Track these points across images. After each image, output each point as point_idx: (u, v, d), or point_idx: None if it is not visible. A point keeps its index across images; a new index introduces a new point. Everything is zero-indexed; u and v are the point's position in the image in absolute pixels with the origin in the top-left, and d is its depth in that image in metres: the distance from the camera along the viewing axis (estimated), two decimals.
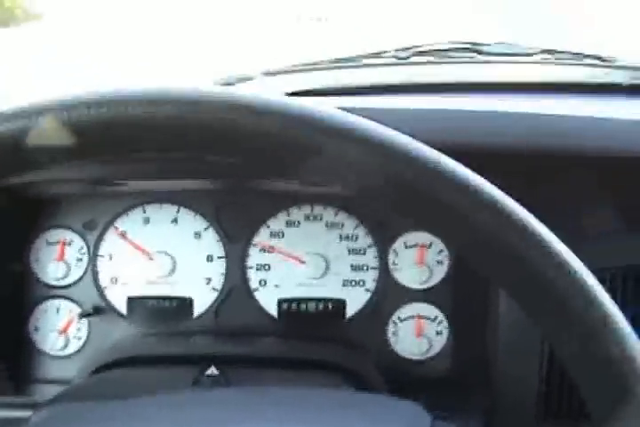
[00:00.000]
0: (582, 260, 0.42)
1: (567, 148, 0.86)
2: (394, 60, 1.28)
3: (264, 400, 0.62)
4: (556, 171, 0.86)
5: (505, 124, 0.87)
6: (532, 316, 0.43)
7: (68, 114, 0.43)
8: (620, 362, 0.40)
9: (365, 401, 0.63)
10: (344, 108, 0.45)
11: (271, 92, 0.93)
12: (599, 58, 1.32)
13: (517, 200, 0.43)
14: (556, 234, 0.42)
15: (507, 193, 0.43)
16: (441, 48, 1.30)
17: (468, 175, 0.43)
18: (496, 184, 0.43)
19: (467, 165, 0.44)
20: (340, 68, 1.27)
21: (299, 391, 0.66)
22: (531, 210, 0.43)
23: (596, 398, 0.42)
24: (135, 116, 0.42)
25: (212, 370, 0.83)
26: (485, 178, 0.43)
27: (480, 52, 1.30)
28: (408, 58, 1.28)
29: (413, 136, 0.44)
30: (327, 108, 0.44)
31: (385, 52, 1.29)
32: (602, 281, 0.42)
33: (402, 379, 0.97)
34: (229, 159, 0.45)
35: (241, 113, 0.42)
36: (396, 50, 1.29)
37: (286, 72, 1.27)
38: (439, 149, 0.44)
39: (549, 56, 1.31)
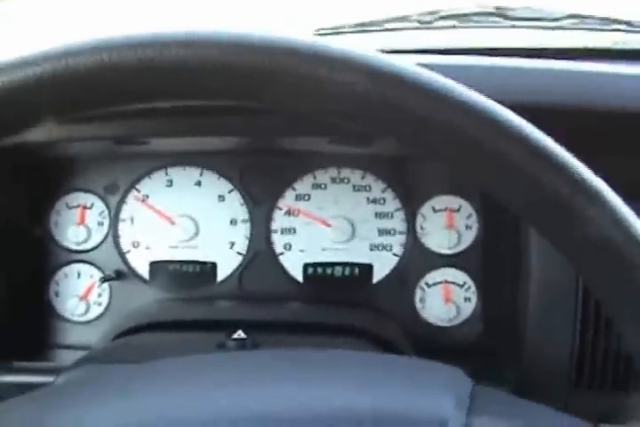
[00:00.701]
0: None
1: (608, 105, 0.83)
2: (417, 25, 1.25)
3: (296, 362, 0.60)
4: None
5: (546, 82, 0.85)
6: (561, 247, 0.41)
7: (110, 55, 0.40)
8: None
9: (403, 364, 0.61)
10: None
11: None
12: (627, 23, 1.29)
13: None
14: None
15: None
16: (465, 12, 1.27)
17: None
18: None
19: None
20: (362, 32, 1.24)
21: (331, 354, 0.64)
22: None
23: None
24: (177, 59, 0.40)
25: (240, 333, 0.80)
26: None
27: (505, 17, 1.27)
28: (432, 22, 1.25)
29: None
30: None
31: (408, 16, 1.26)
32: None
33: (429, 345, 0.95)
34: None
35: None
36: (420, 14, 1.26)
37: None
38: None
39: (576, 21, 1.28)
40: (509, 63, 0.91)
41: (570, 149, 0.41)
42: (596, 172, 0.41)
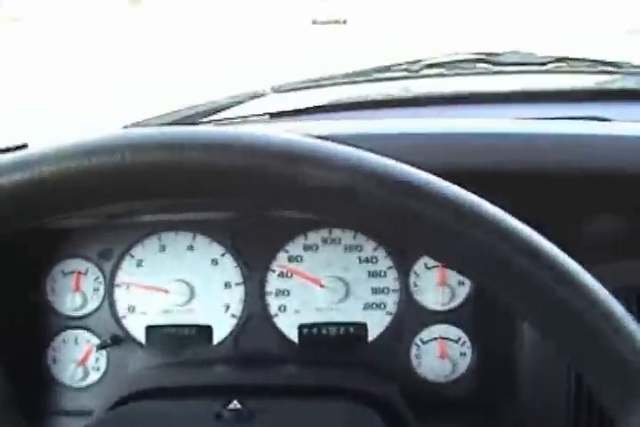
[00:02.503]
0: None
1: (566, 166, 0.84)
2: (405, 74, 1.27)
3: None
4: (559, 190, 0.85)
5: (510, 145, 0.86)
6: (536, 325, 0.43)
7: (89, 160, 0.42)
8: (633, 360, 0.42)
9: None
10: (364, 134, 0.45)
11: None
12: (614, 64, 1.30)
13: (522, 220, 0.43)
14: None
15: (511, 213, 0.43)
16: (452, 60, 1.28)
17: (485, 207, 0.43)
18: (500, 205, 0.43)
19: (473, 186, 0.44)
20: (351, 82, 1.25)
21: None
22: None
23: (612, 397, 0.43)
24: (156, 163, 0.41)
25: (235, 404, 0.81)
26: (491, 199, 0.43)
27: (492, 63, 1.29)
28: (419, 71, 1.27)
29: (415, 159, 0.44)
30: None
31: (396, 65, 1.28)
32: None
33: (426, 402, 0.96)
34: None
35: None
36: (407, 63, 1.28)
37: (297, 88, 1.26)
38: (446, 173, 0.44)
39: (563, 64, 1.30)
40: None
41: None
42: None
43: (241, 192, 0.42)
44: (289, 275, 1.00)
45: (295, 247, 0.99)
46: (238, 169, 0.41)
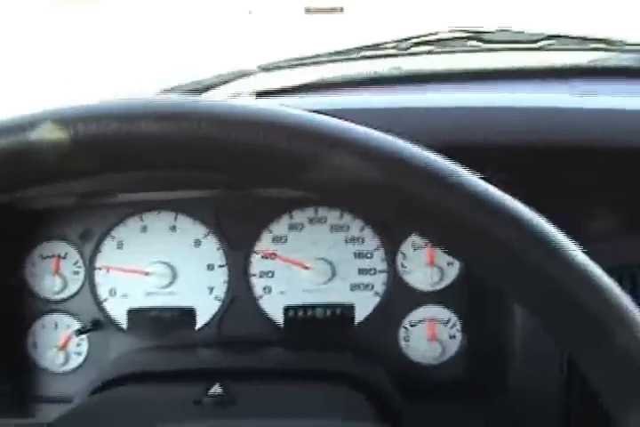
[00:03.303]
0: None
1: (568, 142, 0.82)
2: (394, 51, 1.24)
3: None
4: (557, 167, 0.83)
5: (504, 119, 0.83)
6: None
7: (75, 128, 0.39)
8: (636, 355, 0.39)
9: None
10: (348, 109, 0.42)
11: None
12: (605, 41, 1.28)
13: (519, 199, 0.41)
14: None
15: (507, 190, 0.40)
16: (442, 37, 1.26)
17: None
18: (496, 181, 0.41)
19: (466, 162, 0.41)
20: (339, 60, 1.23)
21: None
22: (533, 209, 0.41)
23: (613, 393, 0.40)
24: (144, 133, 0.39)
25: (216, 389, 0.79)
26: (486, 175, 0.41)
27: (482, 40, 1.26)
28: (408, 48, 1.24)
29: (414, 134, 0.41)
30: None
31: (385, 43, 1.25)
32: None
33: (416, 385, 0.94)
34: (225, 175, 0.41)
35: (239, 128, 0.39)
36: (396, 40, 1.25)
37: (284, 67, 1.23)
38: (440, 148, 0.41)
39: (554, 42, 1.27)
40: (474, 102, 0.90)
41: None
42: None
43: (244, 169, 0.39)
44: (273, 256, 0.97)
45: (280, 227, 0.97)
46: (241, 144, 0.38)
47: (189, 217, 0.97)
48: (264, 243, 0.97)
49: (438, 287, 0.97)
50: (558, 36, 1.27)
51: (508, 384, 0.88)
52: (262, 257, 0.97)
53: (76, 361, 0.99)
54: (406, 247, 0.96)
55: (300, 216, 0.97)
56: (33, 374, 0.99)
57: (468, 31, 1.27)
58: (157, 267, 0.97)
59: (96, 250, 0.98)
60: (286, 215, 0.97)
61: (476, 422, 0.93)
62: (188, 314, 0.98)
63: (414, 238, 0.96)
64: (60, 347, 0.98)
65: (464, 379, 0.97)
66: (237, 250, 0.97)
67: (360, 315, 0.97)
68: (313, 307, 0.97)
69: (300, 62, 1.25)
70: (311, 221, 0.97)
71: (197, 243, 0.98)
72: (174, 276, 0.97)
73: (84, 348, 0.99)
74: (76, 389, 0.91)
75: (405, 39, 1.25)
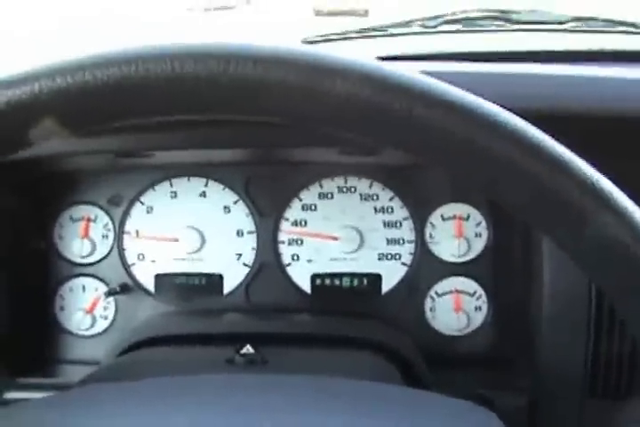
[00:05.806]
0: None
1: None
2: (421, 30, 1.24)
3: (319, 392, 0.59)
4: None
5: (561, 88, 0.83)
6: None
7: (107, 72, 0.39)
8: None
9: (436, 403, 0.59)
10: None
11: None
12: (632, 25, 1.28)
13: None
14: None
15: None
16: (470, 16, 1.26)
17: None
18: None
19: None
20: (367, 37, 1.22)
21: (358, 385, 0.62)
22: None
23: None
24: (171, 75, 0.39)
25: (248, 348, 0.79)
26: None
27: (510, 21, 1.26)
28: (436, 27, 1.24)
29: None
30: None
31: (413, 21, 1.25)
32: None
33: (441, 355, 0.94)
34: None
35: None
36: (424, 19, 1.25)
37: (313, 42, 1.23)
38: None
39: (581, 24, 1.27)
40: (513, 69, 0.90)
41: (578, 153, 0.40)
42: (606, 175, 0.40)
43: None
44: (303, 223, 0.98)
45: (310, 195, 0.97)
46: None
47: (219, 183, 0.98)
48: (294, 210, 0.97)
49: (465, 259, 0.97)
50: (585, 19, 1.27)
51: (533, 357, 0.88)
52: (292, 224, 0.97)
53: (102, 325, 0.99)
54: (435, 218, 0.97)
55: (329, 185, 0.97)
56: (59, 336, 1.00)
57: (495, 11, 1.27)
58: (186, 233, 0.97)
59: (125, 214, 0.98)
60: (316, 184, 0.97)
61: (500, 394, 0.93)
62: (216, 280, 0.98)
63: (443, 209, 0.97)
64: (87, 310, 0.99)
65: (489, 351, 0.97)
66: (267, 216, 0.97)
67: (387, 285, 0.98)
68: (340, 275, 0.97)
69: (327, 39, 1.25)
70: (341, 190, 0.97)
71: (227, 209, 0.98)
72: (203, 242, 0.98)
73: (111, 312, 0.99)
74: (101, 352, 0.92)
75: (434, 17, 1.25)
